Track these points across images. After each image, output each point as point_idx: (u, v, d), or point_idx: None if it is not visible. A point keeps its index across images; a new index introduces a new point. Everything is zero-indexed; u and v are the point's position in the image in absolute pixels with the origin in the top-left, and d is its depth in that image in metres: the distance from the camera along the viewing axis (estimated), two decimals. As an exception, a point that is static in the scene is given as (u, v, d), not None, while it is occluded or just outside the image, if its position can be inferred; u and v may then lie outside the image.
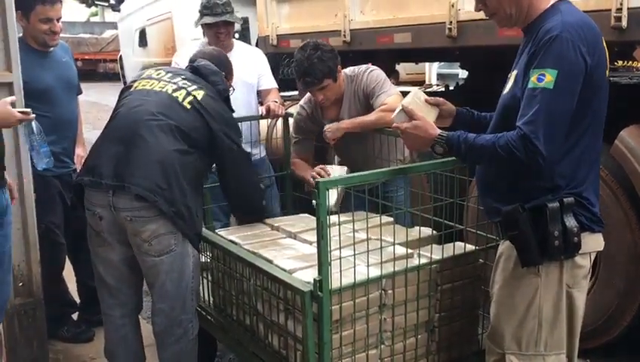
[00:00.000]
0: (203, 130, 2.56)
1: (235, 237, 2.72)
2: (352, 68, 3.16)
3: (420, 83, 9.58)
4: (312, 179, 3.01)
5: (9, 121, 2.55)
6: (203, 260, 2.74)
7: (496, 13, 2.02)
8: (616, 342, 3.13)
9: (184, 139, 2.49)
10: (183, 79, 2.65)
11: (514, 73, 1.97)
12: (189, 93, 2.59)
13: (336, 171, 3.05)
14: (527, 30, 1.98)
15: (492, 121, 2.08)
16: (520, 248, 1.92)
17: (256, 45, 5.22)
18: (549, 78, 1.79)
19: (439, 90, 6.66)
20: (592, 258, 2.01)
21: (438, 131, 2.04)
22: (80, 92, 3.61)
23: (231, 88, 2.93)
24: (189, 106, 2.55)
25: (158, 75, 2.70)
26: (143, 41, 8.53)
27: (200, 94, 2.60)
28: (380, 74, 3.08)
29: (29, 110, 2.67)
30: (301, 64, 2.95)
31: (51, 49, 3.36)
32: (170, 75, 2.69)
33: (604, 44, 1.92)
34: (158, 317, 2.51)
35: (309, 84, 2.98)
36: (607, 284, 3.04)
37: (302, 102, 3.30)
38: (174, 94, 2.58)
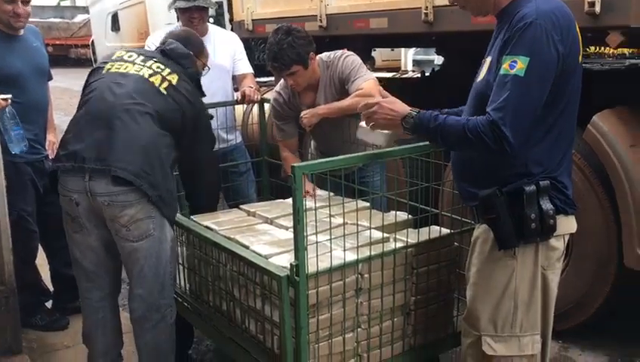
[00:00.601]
0: (178, 115, 2.54)
1: (211, 223, 2.70)
2: (327, 53, 3.14)
3: (395, 69, 9.60)
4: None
5: None
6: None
7: (465, 5, 2.04)
8: (589, 323, 3.20)
9: (163, 123, 2.48)
10: (156, 62, 2.61)
11: (488, 60, 1.97)
12: (164, 79, 2.56)
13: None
14: (500, 16, 1.98)
15: (466, 107, 2.09)
16: (497, 231, 1.94)
17: (232, 30, 5.17)
18: (520, 65, 1.80)
19: (415, 76, 6.67)
20: (566, 240, 2.05)
21: (409, 108, 2.04)
22: (50, 78, 3.54)
23: (206, 68, 2.90)
24: (165, 92, 2.53)
25: (130, 57, 2.64)
26: (115, 25, 8.40)
27: (174, 79, 2.58)
28: (355, 59, 3.07)
29: (9, 96, 2.61)
30: (271, 48, 2.94)
31: (21, 33, 3.28)
32: (142, 57, 2.64)
33: (578, 30, 1.93)
34: (136, 302, 2.49)
35: (276, 69, 2.97)
36: (580, 267, 3.09)
37: (277, 87, 3.28)
38: (151, 79, 2.54)
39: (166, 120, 2.49)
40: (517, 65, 1.80)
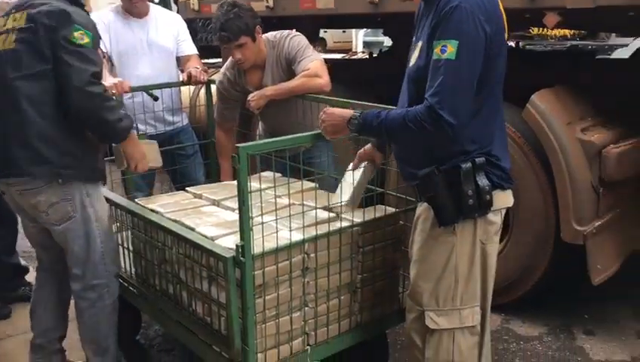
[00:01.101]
0: (36, 56, 2.32)
1: (157, 206, 2.66)
2: (273, 33, 3.12)
3: (346, 51, 9.63)
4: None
5: None
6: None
7: None
8: (528, 297, 3.32)
9: (29, 80, 2.32)
10: (12, 14, 2.40)
11: (419, 44, 2.01)
12: (9, 31, 2.37)
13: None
14: (427, 1, 2.02)
15: (400, 94, 2.13)
16: (437, 209, 2.00)
17: (177, 12, 5.06)
18: (450, 48, 1.84)
19: (364, 57, 6.71)
20: (503, 214, 2.12)
21: (352, 111, 2.09)
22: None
23: None
24: (15, 45, 2.34)
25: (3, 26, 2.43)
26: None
27: (21, 18, 2.35)
28: (301, 39, 3.06)
29: None
30: (218, 19, 2.91)
31: None
32: (3, 19, 2.44)
33: (502, 9, 1.99)
34: (73, 282, 2.53)
35: (224, 39, 2.93)
36: (519, 242, 3.20)
37: (223, 69, 3.24)
38: (4, 47, 2.37)
39: (32, 75, 2.32)
40: (447, 49, 1.85)
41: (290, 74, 3.03)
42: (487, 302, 2.16)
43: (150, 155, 2.70)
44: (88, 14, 2.49)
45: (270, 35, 3.11)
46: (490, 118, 2.01)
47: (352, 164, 2.44)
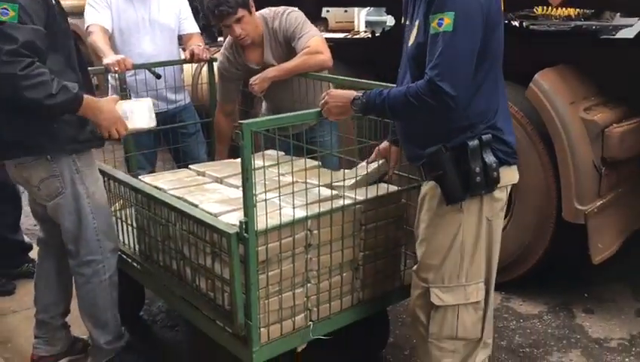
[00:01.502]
0: None
1: (160, 183, 2.67)
2: (266, 9, 3.09)
3: (348, 30, 9.56)
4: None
5: None
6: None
7: None
8: (528, 275, 3.34)
9: None
10: None
11: (416, 23, 2.00)
12: None
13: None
14: None
15: (401, 71, 2.12)
16: (444, 187, 2.00)
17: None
18: (447, 20, 1.84)
19: (366, 37, 6.66)
20: (509, 190, 2.13)
21: (354, 92, 2.09)
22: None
23: None
24: None
25: None
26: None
27: None
28: (298, 15, 3.03)
29: None
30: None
31: None
32: None
33: None
34: (70, 258, 2.56)
35: (223, 14, 2.89)
36: (521, 221, 3.22)
37: (222, 49, 3.22)
38: None
39: None
40: (444, 21, 1.85)
41: (290, 50, 3.02)
42: (491, 278, 2.18)
43: (138, 115, 2.57)
44: None
45: (264, 11, 3.08)
46: (493, 90, 2.01)
47: (368, 159, 2.47)
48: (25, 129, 2.30)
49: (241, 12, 2.91)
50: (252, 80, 3.02)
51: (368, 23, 10.55)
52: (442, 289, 2.12)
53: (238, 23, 2.94)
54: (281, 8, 3.07)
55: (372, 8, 10.21)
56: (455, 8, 1.84)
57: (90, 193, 2.48)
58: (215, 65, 3.48)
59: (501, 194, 2.08)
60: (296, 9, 3.07)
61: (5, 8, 2.12)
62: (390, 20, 7.13)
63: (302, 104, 3.05)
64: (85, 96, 2.31)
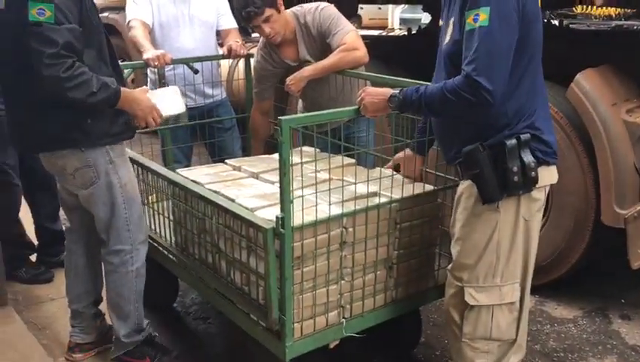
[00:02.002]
0: (16, 40, 2.24)
1: (197, 176, 2.70)
2: (298, 6, 3.09)
3: (382, 28, 9.53)
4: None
5: None
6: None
7: None
8: (564, 278, 3.29)
9: (19, 70, 2.28)
10: None
11: (451, 21, 1.99)
12: None
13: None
14: None
15: (437, 69, 2.10)
16: (481, 186, 1.99)
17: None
18: (483, 16, 1.83)
19: (401, 34, 6.62)
20: (547, 191, 2.10)
21: (391, 89, 2.08)
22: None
23: None
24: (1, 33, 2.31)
25: None
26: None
27: (2, 2, 2.31)
28: (332, 11, 3.02)
29: None
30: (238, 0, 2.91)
31: None
32: None
33: None
34: (101, 246, 2.62)
35: (250, 15, 2.91)
36: (558, 224, 3.16)
37: (257, 49, 3.24)
38: None
39: (16, 63, 2.29)
40: (480, 16, 1.83)
41: (324, 45, 3.01)
42: (527, 279, 2.16)
43: (167, 103, 2.63)
44: None
45: (294, 8, 3.09)
46: (532, 87, 1.98)
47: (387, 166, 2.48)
48: (60, 124, 2.35)
49: (268, 11, 2.92)
50: (288, 80, 3.03)
51: (403, 20, 10.48)
52: (477, 288, 2.11)
53: (266, 23, 2.95)
54: (314, 4, 3.07)
55: (407, 5, 10.14)
56: (490, 3, 1.82)
57: (123, 184, 2.52)
58: (252, 61, 3.51)
59: (539, 195, 2.05)
60: (329, 4, 3.06)
61: (42, 9, 2.15)
62: (426, 18, 7.08)
63: (338, 101, 3.05)
64: (122, 89, 2.37)
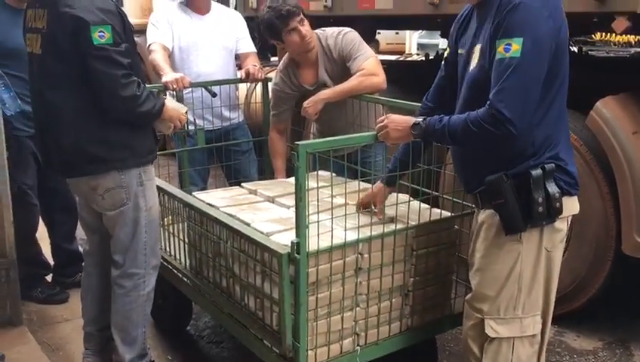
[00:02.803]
0: (65, 62, 2.30)
1: (213, 199, 2.71)
2: (320, 29, 3.12)
3: (399, 53, 9.57)
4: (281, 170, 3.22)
5: None
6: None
7: None
8: (584, 309, 3.22)
9: (65, 93, 2.33)
10: (37, 8, 2.37)
11: (477, 47, 1.97)
12: (35, 32, 2.37)
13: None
14: (482, 3, 1.97)
15: (461, 97, 2.07)
16: (504, 216, 1.95)
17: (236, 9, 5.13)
18: (515, 47, 1.80)
19: (419, 59, 6.65)
20: (569, 221, 2.06)
21: (414, 118, 2.06)
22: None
23: None
24: (40, 51, 2.35)
25: (29, 18, 2.43)
26: (118, 0, 8.32)
27: (42, 18, 2.32)
28: (354, 36, 3.04)
29: None
30: (273, 7, 2.94)
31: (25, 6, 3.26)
32: (31, 11, 2.43)
33: (562, 7, 1.93)
34: (113, 268, 2.58)
35: (290, 12, 2.92)
36: (578, 253, 3.11)
37: (277, 71, 3.26)
38: (34, 51, 2.40)
39: (62, 85, 2.33)
40: (511, 47, 1.80)
41: (344, 70, 3.03)
42: (548, 311, 2.11)
43: (175, 106, 2.65)
44: None
45: (319, 31, 3.11)
46: (557, 119, 1.96)
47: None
48: (106, 146, 2.38)
49: (301, 15, 2.96)
50: (305, 103, 3.04)
51: (420, 46, 10.52)
52: (497, 320, 2.06)
53: (302, 25, 2.97)
54: (337, 29, 3.09)
55: (424, 31, 10.20)
56: (524, 34, 1.79)
57: (149, 207, 2.53)
58: (269, 84, 3.53)
59: (562, 225, 2.02)
60: (352, 30, 3.09)
61: (102, 31, 2.23)
62: (443, 43, 7.10)
63: (353, 125, 3.05)
64: None
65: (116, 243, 2.55)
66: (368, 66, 2.94)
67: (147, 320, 2.66)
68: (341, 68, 3.05)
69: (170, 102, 2.60)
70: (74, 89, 2.32)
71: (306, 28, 2.98)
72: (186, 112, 2.69)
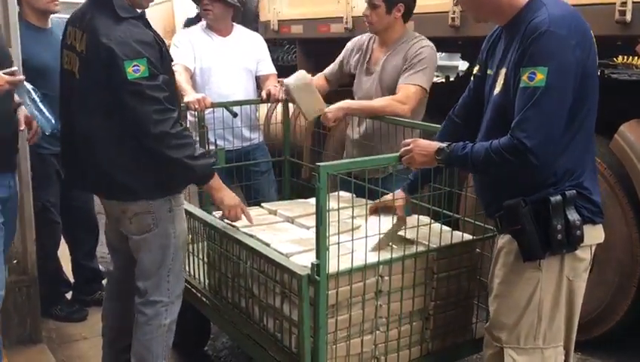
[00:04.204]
0: (100, 91, 2.23)
1: (233, 220, 2.71)
2: (417, 33, 3.16)
3: (432, 77, 9.55)
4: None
5: None
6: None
7: (468, 12, 2.04)
8: (608, 336, 3.15)
9: (99, 120, 2.26)
10: (77, 28, 2.30)
11: (502, 71, 1.95)
12: (71, 51, 2.31)
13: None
14: (510, 26, 1.95)
15: (485, 122, 2.05)
16: (522, 243, 1.91)
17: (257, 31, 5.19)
18: (540, 76, 1.77)
19: (439, 81, 6.64)
20: (593, 250, 2.01)
21: (439, 143, 2.04)
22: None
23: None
24: (78, 74, 2.29)
25: (69, 35, 2.36)
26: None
27: (82, 41, 2.26)
28: (429, 55, 3.01)
29: (14, 68, 2.44)
30: None
31: (49, 26, 3.33)
32: (72, 28, 2.35)
33: (592, 33, 1.90)
34: (137, 295, 2.49)
35: None
36: (602, 278, 3.05)
37: (366, 36, 3.28)
38: (72, 69, 2.32)
39: (97, 111, 2.26)
40: (536, 76, 1.77)
41: (394, 71, 3.04)
42: (570, 342, 2.06)
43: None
44: (143, 21, 2.28)
45: (417, 35, 3.13)
46: (583, 148, 1.93)
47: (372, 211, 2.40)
48: (139, 176, 2.30)
49: (378, 1, 2.98)
50: (328, 109, 3.05)
51: (440, 68, 10.51)
52: (517, 350, 2.01)
53: (373, 9, 3.00)
54: (429, 42, 3.07)
55: (444, 53, 10.20)
56: (549, 64, 1.76)
57: (177, 234, 2.44)
58: (290, 105, 3.55)
59: (584, 254, 1.96)
60: (433, 46, 3.06)
61: (137, 65, 2.13)
62: (463, 65, 7.09)
63: (368, 146, 3.04)
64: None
65: (140, 269, 2.46)
66: (405, 92, 2.95)
67: (168, 351, 2.55)
68: (397, 69, 3.03)
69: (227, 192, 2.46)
70: (108, 118, 2.25)
71: (372, 13, 3.01)
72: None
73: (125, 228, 2.45)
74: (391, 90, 3.05)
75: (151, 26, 2.34)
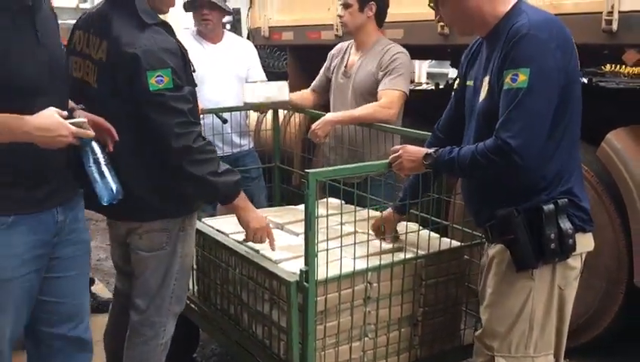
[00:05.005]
0: (120, 103, 2.10)
1: (222, 226, 2.71)
2: (390, 40, 3.20)
3: (409, 82, 9.61)
4: None
5: (57, 138, 1.78)
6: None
7: (451, 25, 2.06)
8: (595, 342, 3.17)
9: (118, 126, 2.09)
10: (92, 34, 2.15)
11: (486, 79, 1.96)
12: (86, 58, 2.16)
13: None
14: (491, 35, 1.98)
15: (471, 129, 2.07)
16: (515, 252, 1.91)
17: (248, 37, 5.20)
18: (522, 77, 1.79)
19: (429, 88, 6.68)
20: (584, 258, 2.02)
21: (426, 149, 2.06)
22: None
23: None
24: (96, 84, 2.13)
25: (79, 40, 2.20)
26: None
27: (100, 49, 2.11)
28: (404, 62, 3.05)
29: (83, 120, 1.89)
30: None
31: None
32: (82, 34, 2.19)
33: (573, 39, 1.93)
34: (133, 312, 2.34)
35: None
36: (589, 285, 3.06)
37: (344, 44, 3.37)
38: (85, 78, 2.17)
39: (115, 115, 2.09)
40: (519, 77, 1.80)
41: (374, 79, 3.07)
42: (560, 350, 2.07)
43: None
44: (166, 28, 2.15)
45: (390, 41, 3.18)
46: (570, 153, 1.94)
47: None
48: (158, 194, 2.17)
49: (352, 0, 3.04)
50: (314, 125, 3.06)
51: (430, 75, 10.57)
52: (509, 358, 2.01)
53: (346, 8, 3.07)
54: (402, 49, 3.10)
55: (434, 60, 10.26)
56: (531, 65, 1.79)
57: (184, 254, 2.32)
58: (280, 111, 3.56)
59: (575, 263, 1.97)
60: (407, 53, 3.09)
61: (160, 76, 2.01)
62: (453, 73, 7.15)
63: (363, 153, 3.06)
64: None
65: (142, 287, 2.30)
66: (389, 98, 2.97)
67: None
68: (374, 76, 3.06)
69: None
70: (127, 131, 2.09)
71: (346, 13, 3.09)
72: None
73: (133, 243, 2.28)
74: (363, 94, 3.09)
75: (174, 33, 2.20)
